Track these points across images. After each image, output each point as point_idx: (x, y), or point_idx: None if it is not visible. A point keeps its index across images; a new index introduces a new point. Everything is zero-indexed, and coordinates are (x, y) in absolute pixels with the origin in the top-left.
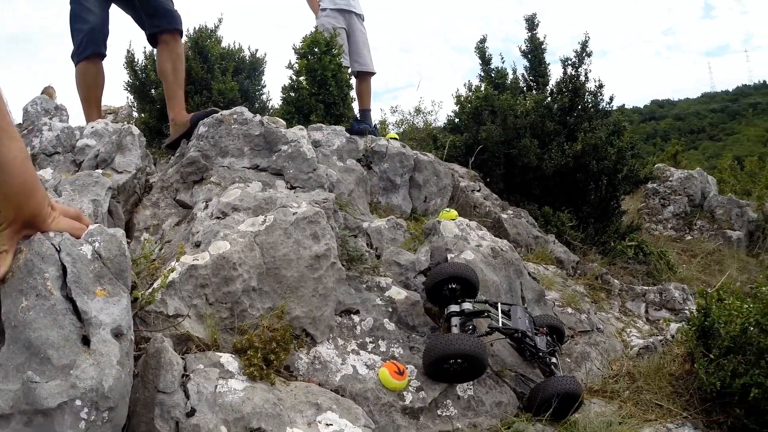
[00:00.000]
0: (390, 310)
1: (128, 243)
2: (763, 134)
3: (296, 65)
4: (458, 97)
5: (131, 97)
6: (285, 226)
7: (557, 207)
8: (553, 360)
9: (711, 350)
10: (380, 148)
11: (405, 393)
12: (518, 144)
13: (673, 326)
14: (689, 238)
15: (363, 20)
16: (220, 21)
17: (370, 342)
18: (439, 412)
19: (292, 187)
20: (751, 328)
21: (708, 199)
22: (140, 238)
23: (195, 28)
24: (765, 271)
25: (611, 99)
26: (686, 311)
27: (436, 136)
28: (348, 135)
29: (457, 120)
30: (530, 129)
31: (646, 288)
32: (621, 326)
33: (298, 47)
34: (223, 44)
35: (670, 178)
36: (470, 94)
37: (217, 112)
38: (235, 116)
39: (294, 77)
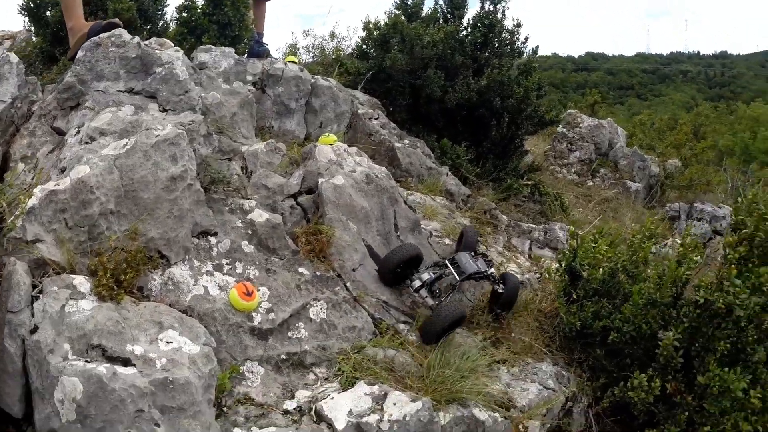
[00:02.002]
0: (250, 232)
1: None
2: (689, 101)
3: None
4: (367, 23)
5: (27, 20)
6: (145, 148)
7: (459, 141)
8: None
9: (577, 295)
10: (275, 71)
11: (254, 314)
12: (423, 74)
13: (554, 265)
14: (591, 184)
15: None
16: None
17: (227, 264)
18: (289, 334)
19: (165, 110)
20: (621, 274)
21: (614, 150)
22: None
23: None
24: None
25: (526, 39)
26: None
27: (343, 62)
28: (237, 57)
29: (364, 47)
30: (437, 60)
31: (533, 226)
32: (501, 260)
33: None
34: None
35: (581, 125)
36: (379, 20)
37: (118, 25)
38: (113, 39)
39: None
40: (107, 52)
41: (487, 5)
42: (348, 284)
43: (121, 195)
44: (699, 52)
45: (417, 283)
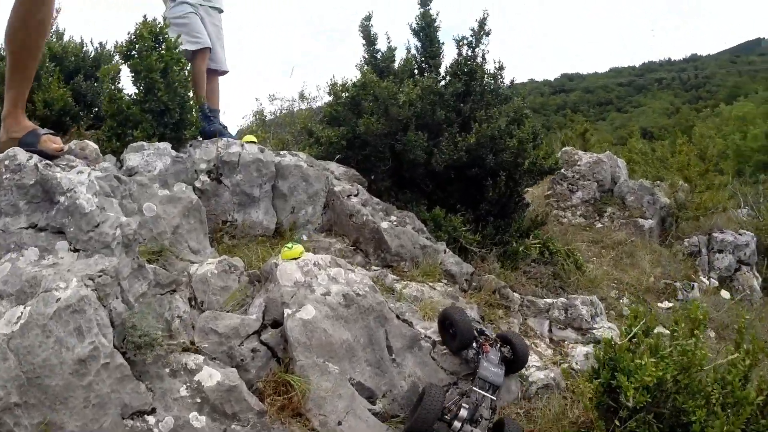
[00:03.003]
0: (199, 401)
1: None
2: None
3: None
4: (333, 85)
5: None
6: (43, 321)
7: (451, 205)
8: None
9: (618, 411)
10: (231, 157)
11: None
12: (403, 138)
13: (580, 350)
14: (600, 226)
15: (220, 13)
16: (57, 12)
17: None
18: None
19: (76, 250)
20: (669, 384)
21: (618, 185)
22: None
23: None
24: (678, 264)
25: (512, 83)
26: (594, 331)
27: (312, 130)
28: (174, 154)
29: (333, 112)
30: (417, 119)
31: (550, 302)
32: None
33: (118, 44)
34: (66, 39)
35: (578, 162)
36: (347, 81)
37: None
38: (6, 162)
39: (111, 85)
40: (1, 180)
41: (464, 51)
42: None
43: (23, 384)
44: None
45: (458, 425)
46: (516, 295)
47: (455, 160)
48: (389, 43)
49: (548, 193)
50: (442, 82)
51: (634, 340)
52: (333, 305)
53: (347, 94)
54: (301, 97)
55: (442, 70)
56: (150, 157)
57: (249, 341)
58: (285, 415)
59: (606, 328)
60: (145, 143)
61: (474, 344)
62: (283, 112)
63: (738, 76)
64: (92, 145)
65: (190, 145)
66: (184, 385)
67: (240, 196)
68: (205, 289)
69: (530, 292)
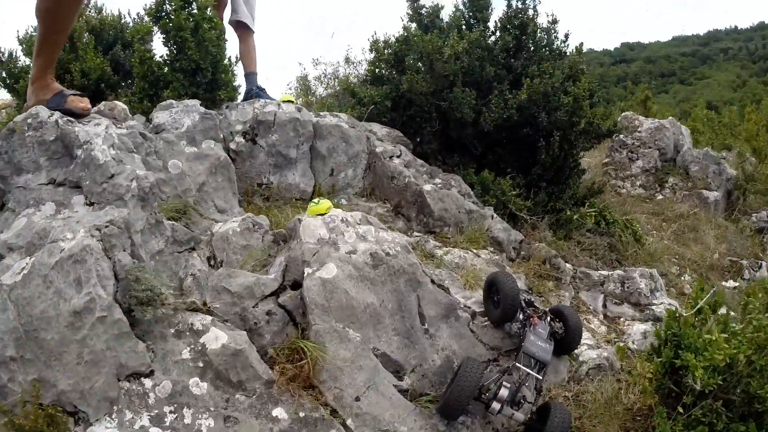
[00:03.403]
0: (201, 365)
1: None
2: (734, 79)
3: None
4: (374, 42)
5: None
6: (45, 271)
7: (502, 170)
8: None
9: (681, 397)
10: (266, 117)
11: None
12: (449, 95)
13: (637, 327)
14: (660, 197)
15: None
16: None
17: (170, 412)
18: None
19: (91, 204)
20: (741, 366)
21: (682, 153)
22: None
23: None
24: (745, 240)
25: (566, 37)
26: (653, 308)
27: (354, 90)
28: (203, 111)
29: (377, 71)
30: (464, 76)
31: (605, 274)
32: None
33: (148, 7)
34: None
35: (639, 129)
36: (390, 37)
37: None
38: (29, 120)
39: (141, 46)
40: (24, 138)
41: (514, 2)
42: (349, 422)
43: (20, 337)
44: (737, 27)
45: (497, 406)
46: (568, 266)
47: (505, 119)
48: None
49: (606, 161)
50: (492, 38)
51: (700, 315)
52: (358, 265)
53: (390, 50)
54: (347, 61)
55: (491, 25)
56: (178, 114)
57: (264, 303)
58: (295, 387)
59: (666, 305)
60: (174, 101)
61: (520, 316)
62: (328, 77)
63: None
64: (121, 105)
65: (227, 107)
66: (188, 347)
67: (276, 157)
68: (225, 247)
69: (584, 263)
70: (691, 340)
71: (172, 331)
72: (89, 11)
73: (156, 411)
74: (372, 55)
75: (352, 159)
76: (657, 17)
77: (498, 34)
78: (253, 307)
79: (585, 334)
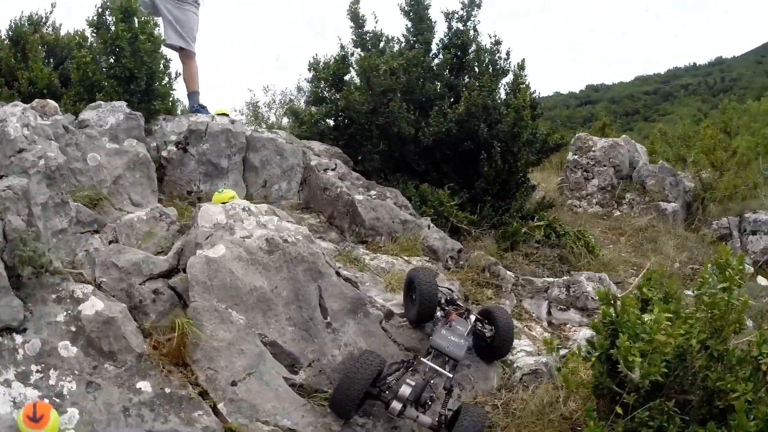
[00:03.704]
0: (74, 329)
1: None
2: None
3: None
4: (314, 62)
5: None
6: None
7: (445, 185)
8: None
9: (622, 393)
10: (198, 126)
11: None
12: (386, 110)
13: (584, 333)
14: (618, 214)
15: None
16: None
17: (37, 372)
18: None
19: (1, 177)
20: (695, 358)
21: (637, 169)
22: None
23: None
24: (707, 248)
25: (508, 54)
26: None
27: (296, 111)
28: (128, 111)
29: (317, 91)
30: (405, 94)
31: (550, 280)
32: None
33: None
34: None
35: (593, 148)
36: (330, 57)
37: None
38: None
39: (77, 51)
40: None
41: (454, 24)
42: (221, 406)
43: None
44: (695, 64)
45: (397, 406)
46: (509, 273)
47: (445, 133)
48: (377, 23)
49: (560, 180)
50: (435, 60)
51: (647, 305)
52: (251, 249)
53: (328, 70)
54: (299, 90)
55: (434, 47)
56: (103, 113)
57: (152, 282)
58: (166, 362)
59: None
60: (103, 102)
61: (439, 314)
62: (277, 104)
63: (766, 77)
64: (52, 104)
65: (164, 119)
66: (64, 312)
67: (206, 165)
68: (128, 233)
69: (529, 273)
70: (628, 324)
71: (54, 296)
72: (47, 28)
73: (23, 368)
74: (310, 75)
75: (287, 172)
76: (618, 59)
77: (440, 54)
78: (140, 284)
79: (524, 342)
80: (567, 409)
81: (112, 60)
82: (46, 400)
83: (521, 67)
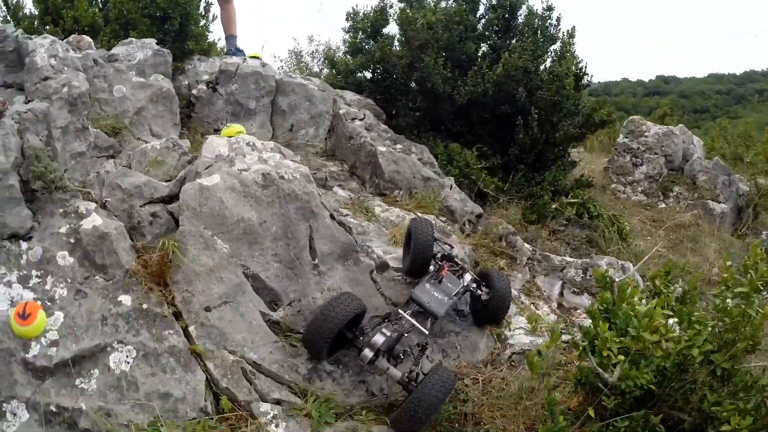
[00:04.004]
0: (72, 241)
1: None
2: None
3: None
4: (353, 12)
5: None
6: None
7: (475, 147)
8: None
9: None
10: (228, 67)
11: (34, 344)
12: (421, 65)
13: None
14: (663, 206)
15: None
16: None
17: (37, 276)
18: (77, 381)
19: (28, 101)
20: (695, 365)
21: (690, 162)
22: None
23: None
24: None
25: (558, 21)
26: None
27: (333, 60)
28: (156, 48)
29: (355, 41)
30: (443, 50)
31: (568, 260)
32: (512, 311)
33: None
34: None
35: (646, 133)
36: (369, 9)
37: None
38: None
39: None
40: None
41: None
42: (192, 329)
43: None
44: None
45: (369, 354)
46: (526, 246)
47: (480, 93)
48: None
49: (607, 164)
50: (483, 20)
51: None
52: (246, 181)
53: (367, 20)
54: (344, 42)
55: (481, 8)
56: (132, 48)
57: (152, 206)
58: (150, 280)
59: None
60: (134, 39)
61: (431, 268)
62: (320, 53)
63: None
64: (87, 39)
65: (198, 59)
66: (67, 225)
67: (234, 105)
68: (141, 159)
69: (550, 249)
70: (619, 315)
71: (61, 211)
72: None
73: (25, 272)
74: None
75: (315, 118)
76: (692, 53)
77: (487, 14)
78: (141, 206)
79: (522, 321)
80: (541, 399)
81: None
82: (39, 302)
83: (571, 35)
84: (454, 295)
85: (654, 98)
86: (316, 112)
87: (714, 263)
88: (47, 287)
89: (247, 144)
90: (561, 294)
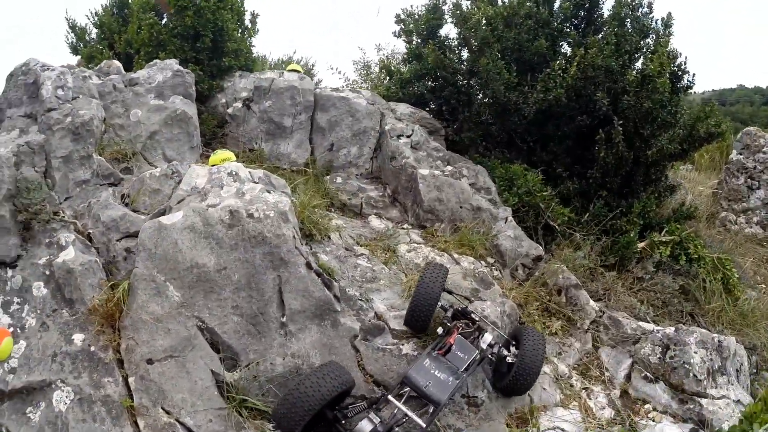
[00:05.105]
0: (47, 273)
1: None
2: None
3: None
4: (405, 13)
5: None
6: None
7: (554, 170)
8: None
9: None
10: (262, 83)
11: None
12: (477, 66)
13: (662, 428)
14: None
15: None
16: None
17: (17, 303)
18: (27, 410)
19: (41, 132)
20: None
21: None
22: None
23: None
24: None
25: (650, 8)
26: (704, 402)
27: (390, 68)
28: (176, 68)
29: (412, 47)
30: (510, 50)
31: (647, 328)
32: (555, 399)
33: None
34: None
35: (765, 148)
36: (421, 8)
37: None
38: (22, 68)
39: (144, 15)
40: (17, 81)
41: None
42: (131, 380)
43: None
44: None
45: None
46: (592, 304)
47: (552, 102)
48: None
49: (717, 186)
50: (560, 17)
51: None
52: (211, 219)
53: (419, 22)
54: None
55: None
56: (153, 71)
57: (128, 240)
58: (105, 322)
59: (733, 401)
60: (158, 61)
61: (439, 330)
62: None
63: None
64: (116, 64)
65: (239, 75)
66: (47, 256)
67: (267, 123)
68: (139, 188)
69: (626, 308)
70: None
71: (47, 241)
72: None
73: (8, 297)
74: (397, 28)
75: (358, 135)
76: None
77: (562, 5)
78: (117, 240)
79: (570, 411)
80: None
81: (175, 19)
82: (11, 329)
83: (666, 23)
84: (465, 369)
85: None
86: (360, 128)
87: None
88: (23, 315)
89: (229, 174)
90: (628, 377)
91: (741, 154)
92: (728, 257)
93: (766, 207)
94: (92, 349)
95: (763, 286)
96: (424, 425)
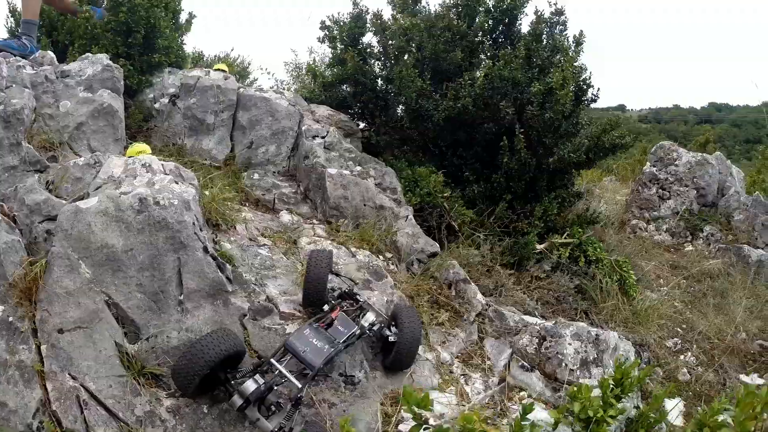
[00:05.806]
0: None
1: None
2: None
3: None
4: (328, 21)
5: None
6: None
7: (461, 175)
8: None
9: None
10: (188, 80)
11: None
12: (393, 73)
13: (536, 415)
14: (689, 248)
15: None
16: None
17: None
18: None
19: None
20: None
21: (726, 197)
22: None
23: None
24: None
25: (564, 26)
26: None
27: (315, 72)
28: (106, 63)
29: (336, 52)
30: (427, 60)
31: (528, 321)
32: (432, 383)
33: None
34: None
35: (676, 161)
36: (345, 15)
37: None
38: None
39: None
40: None
41: None
42: (43, 348)
43: None
44: None
45: (238, 401)
46: (480, 297)
47: (460, 110)
48: None
49: (630, 195)
50: (479, 31)
51: None
52: (122, 205)
53: (341, 28)
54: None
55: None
56: (84, 64)
57: (49, 223)
58: (23, 296)
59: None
60: (90, 54)
61: (325, 307)
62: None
63: None
64: (50, 55)
65: (168, 71)
66: None
67: (191, 120)
68: (63, 175)
69: (516, 303)
70: None
71: None
72: None
73: None
74: (321, 34)
75: (277, 135)
76: (748, 80)
77: (479, 20)
78: (39, 222)
79: (448, 395)
80: None
81: (109, 14)
82: None
83: (577, 41)
84: (343, 341)
85: (705, 126)
86: (279, 128)
87: (740, 326)
88: None
89: (143, 165)
90: (507, 366)
91: (654, 167)
92: (626, 260)
93: (675, 216)
94: (10, 319)
95: (663, 289)
96: (299, 385)
